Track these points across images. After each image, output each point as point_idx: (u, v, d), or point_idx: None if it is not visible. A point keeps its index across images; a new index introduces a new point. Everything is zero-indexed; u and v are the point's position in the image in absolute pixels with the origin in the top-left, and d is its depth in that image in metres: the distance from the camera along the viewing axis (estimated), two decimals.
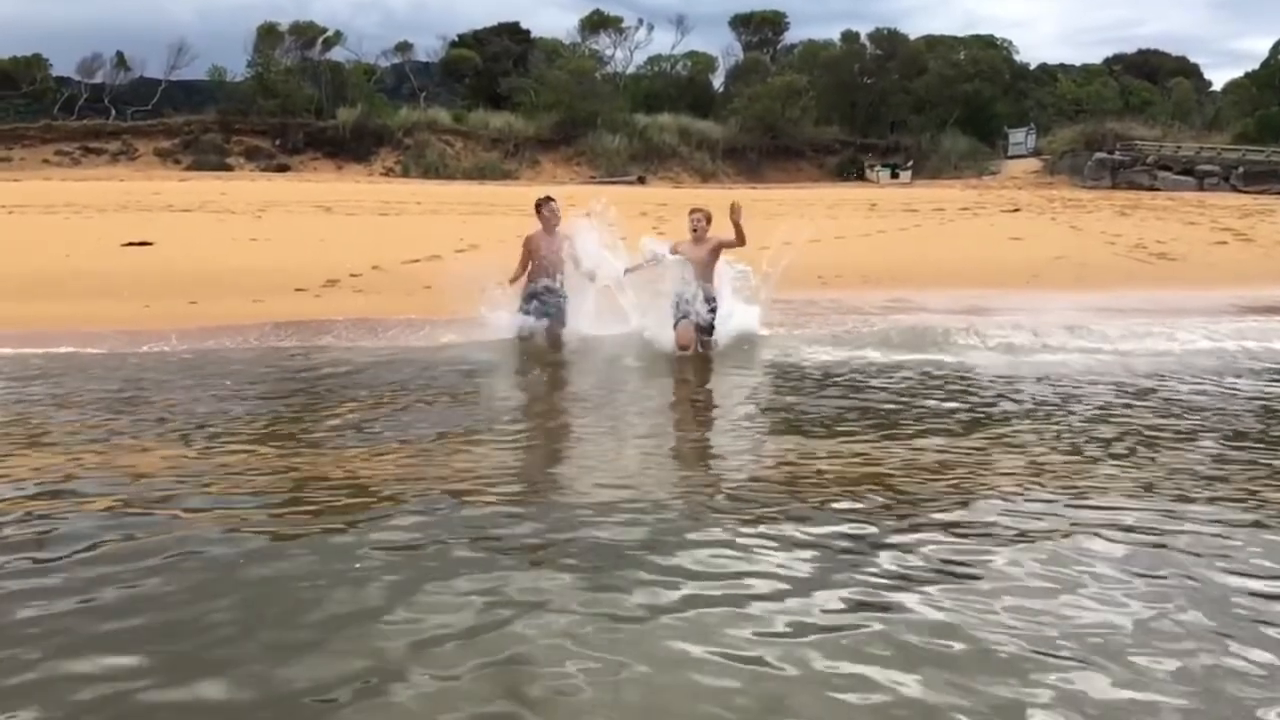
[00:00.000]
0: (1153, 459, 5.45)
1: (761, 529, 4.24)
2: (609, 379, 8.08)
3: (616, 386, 7.79)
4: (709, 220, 8.68)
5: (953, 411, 6.59)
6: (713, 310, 8.66)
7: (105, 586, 3.61)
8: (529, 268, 9.22)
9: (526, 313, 9.15)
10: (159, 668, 3.06)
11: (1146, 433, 6.02)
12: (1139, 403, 6.90)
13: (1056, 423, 6.28)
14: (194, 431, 5.91)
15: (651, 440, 6.11)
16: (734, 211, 8.33)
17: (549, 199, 9.22)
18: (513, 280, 9.23)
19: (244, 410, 6.53)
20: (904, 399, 7.01)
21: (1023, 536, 4.21)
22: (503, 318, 9.21)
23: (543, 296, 9.14)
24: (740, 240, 8.45)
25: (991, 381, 7.66)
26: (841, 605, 3.53)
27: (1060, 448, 5.66)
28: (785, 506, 4.55)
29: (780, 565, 3.85)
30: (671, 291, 8.74)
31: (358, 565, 3.81)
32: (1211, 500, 4.73)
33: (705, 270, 8.66)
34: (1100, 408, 6.72)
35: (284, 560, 3.90)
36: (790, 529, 4.24)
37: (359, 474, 5.06)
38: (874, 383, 7.55)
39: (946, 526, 4.31)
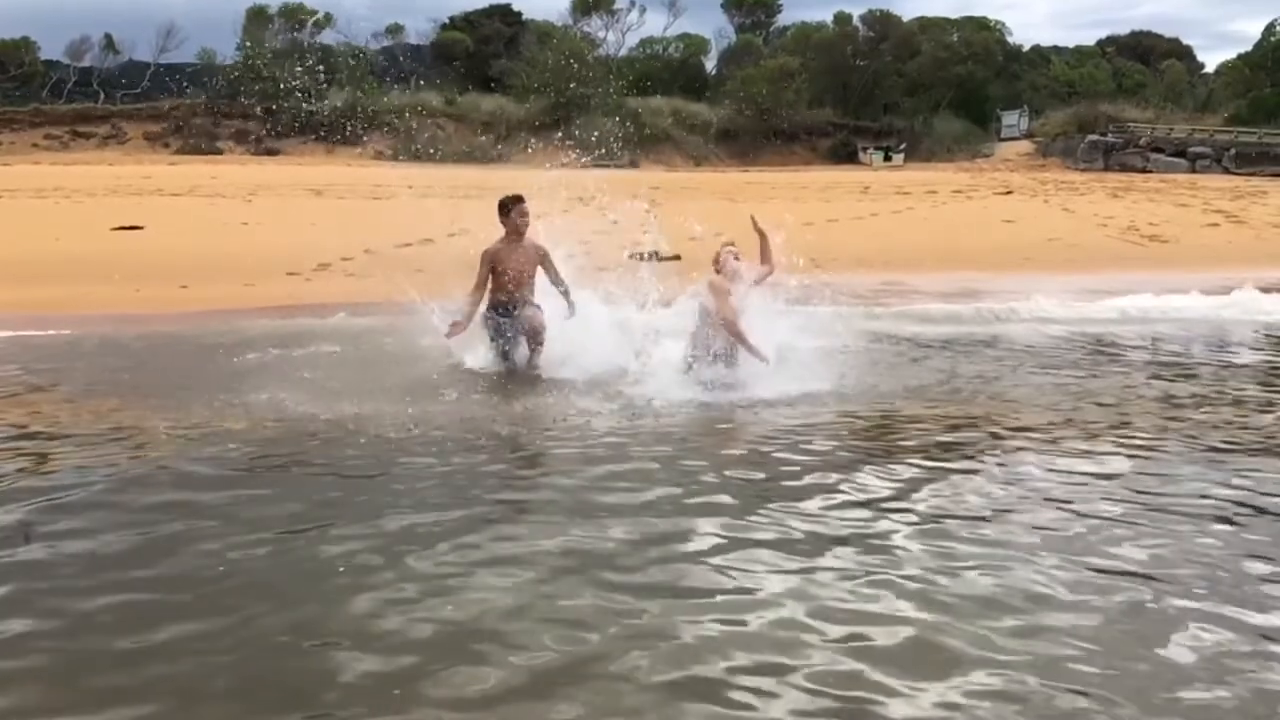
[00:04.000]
0: None
1: None
2: None
3: None
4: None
5: None
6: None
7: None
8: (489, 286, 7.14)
9: (493, 338, 7.15)
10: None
11: None
12: None
13: None
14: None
15: None
16: (757, 225, 6.75)
17: (519, 199, 7.16)
18: (469, 308, 7.14)
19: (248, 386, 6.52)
20: None
21: None
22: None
23: (500, 317, 7.11)
24: (767, 261, 6.70)
25: None
26: None
27: None
28: None
29: None
30: (687, 350, 6.62)
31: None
32: None
33: (733, 323, 6.43)
34: None
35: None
36: None
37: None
38: None
39: None
